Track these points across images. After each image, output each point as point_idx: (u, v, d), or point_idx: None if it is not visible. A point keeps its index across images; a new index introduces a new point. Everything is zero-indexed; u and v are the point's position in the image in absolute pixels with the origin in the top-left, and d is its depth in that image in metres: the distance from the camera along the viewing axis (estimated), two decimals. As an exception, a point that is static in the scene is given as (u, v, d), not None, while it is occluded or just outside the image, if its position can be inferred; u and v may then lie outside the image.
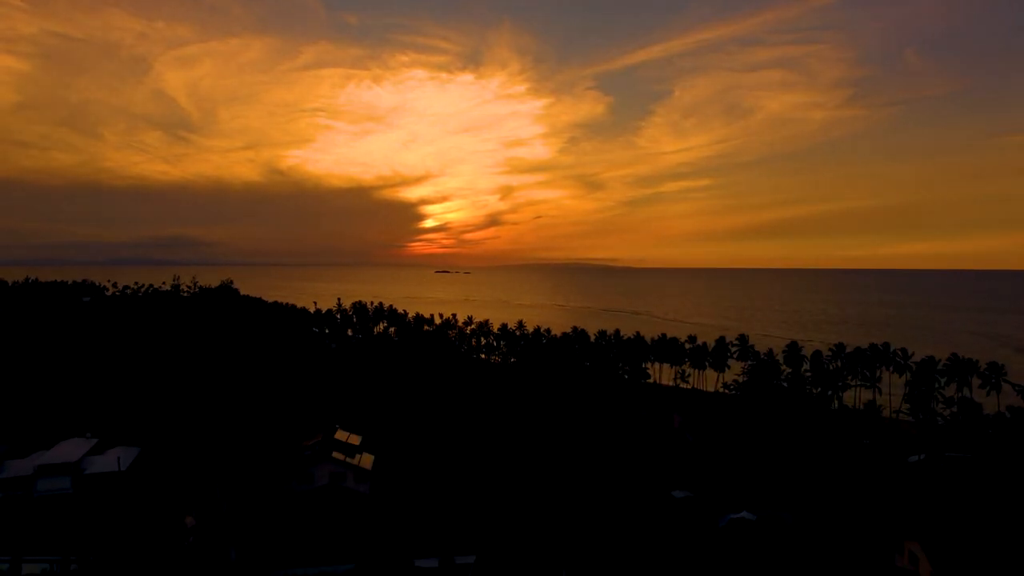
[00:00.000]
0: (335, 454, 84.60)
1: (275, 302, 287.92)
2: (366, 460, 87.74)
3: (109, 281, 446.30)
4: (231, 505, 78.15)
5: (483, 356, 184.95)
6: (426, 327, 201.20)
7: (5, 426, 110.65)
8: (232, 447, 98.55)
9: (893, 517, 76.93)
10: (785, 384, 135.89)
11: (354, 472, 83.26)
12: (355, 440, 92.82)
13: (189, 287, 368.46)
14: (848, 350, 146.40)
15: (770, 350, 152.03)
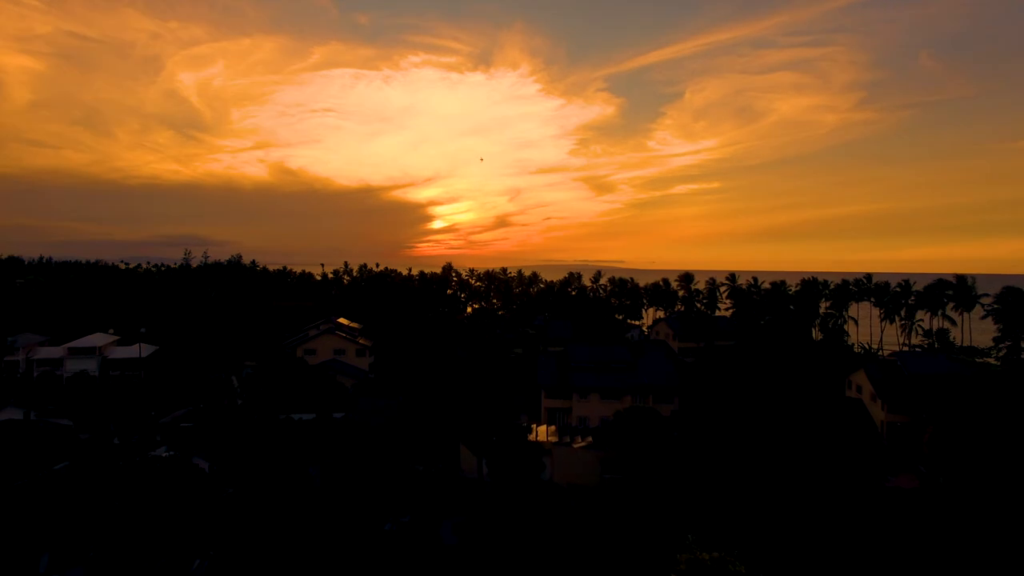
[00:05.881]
0: (338, 333, 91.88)
1: (284, 267, 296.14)
2: (365, 341, 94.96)
3: (122, 262, 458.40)
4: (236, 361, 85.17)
5: (483, 303, 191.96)
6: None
7: (47, 327, 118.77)
8: (240, 337, 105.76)
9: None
10: (768, 318, 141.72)
11: (356, 348, 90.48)
12: (355, 326, 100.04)
13: (202, 261, 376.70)
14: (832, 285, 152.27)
15: (757, 287, 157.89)
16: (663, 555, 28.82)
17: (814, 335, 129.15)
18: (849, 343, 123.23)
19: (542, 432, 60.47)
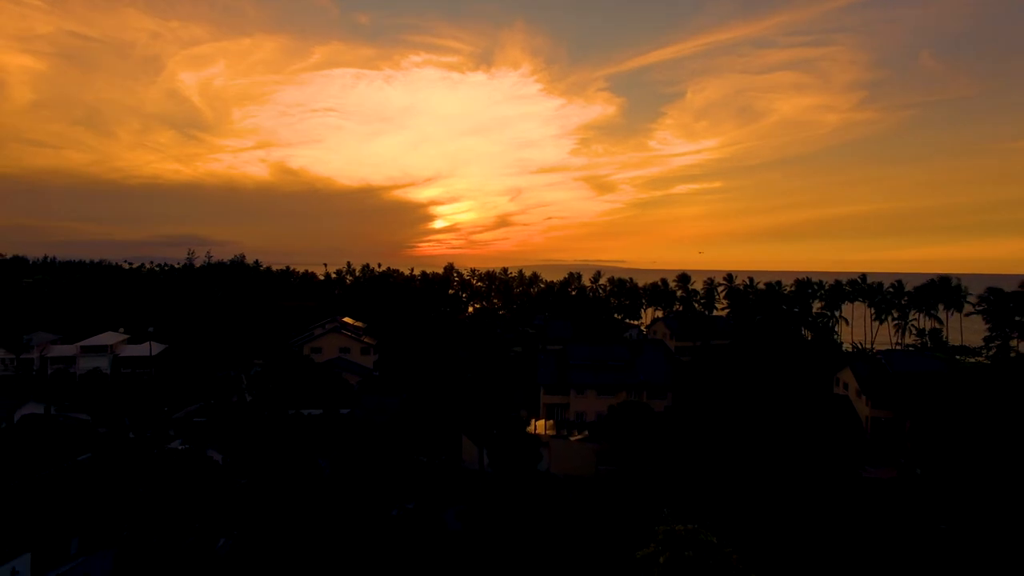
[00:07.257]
0: (343, 332, 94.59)
1: (287, 267, 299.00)
2: (369, 340, 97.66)
3: (125, 262, 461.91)
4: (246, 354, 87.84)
5: (484, 303, 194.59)
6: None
7: (57, 326, 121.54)
8: (248, 336, 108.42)
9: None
10: (760, 317, 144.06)
11: (360, 346, 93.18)
12: (360, 325, 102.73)
13: (205, 261, 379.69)
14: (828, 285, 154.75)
15: (753, 287, 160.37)
16: (646, 530, 31.47)
17: (807, 334, 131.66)
18: (841, 342, 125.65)
19: (540, 426, 63.13)
